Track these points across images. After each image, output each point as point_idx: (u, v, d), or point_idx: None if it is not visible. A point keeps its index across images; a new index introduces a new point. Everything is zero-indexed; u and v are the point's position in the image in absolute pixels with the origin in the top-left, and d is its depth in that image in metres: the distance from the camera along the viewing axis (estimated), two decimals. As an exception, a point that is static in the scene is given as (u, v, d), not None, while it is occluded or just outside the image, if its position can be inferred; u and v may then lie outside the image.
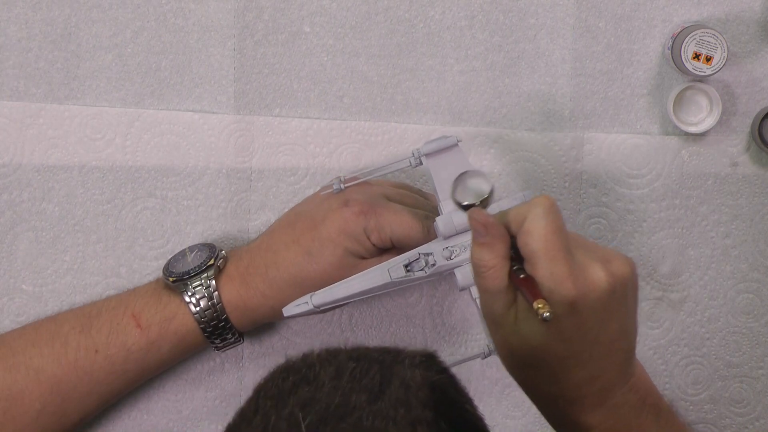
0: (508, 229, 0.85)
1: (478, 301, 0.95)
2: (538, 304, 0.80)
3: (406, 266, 0.98)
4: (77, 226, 1.09)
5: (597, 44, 1.11)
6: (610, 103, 1.12)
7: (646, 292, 1.13)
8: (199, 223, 1.10)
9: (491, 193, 0.88)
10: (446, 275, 1.00)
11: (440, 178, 0.98)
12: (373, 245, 1.00)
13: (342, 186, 1.00)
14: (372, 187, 1.03)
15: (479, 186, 0.88)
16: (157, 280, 1.06)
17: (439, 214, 1.00)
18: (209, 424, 1.11)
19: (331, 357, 0.71)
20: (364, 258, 1.01)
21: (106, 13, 1.08)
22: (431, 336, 1.12)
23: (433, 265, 0.97)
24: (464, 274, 0.98)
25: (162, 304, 1.03)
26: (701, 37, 1.07)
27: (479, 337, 1.13)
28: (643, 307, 1.14)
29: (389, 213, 1.00)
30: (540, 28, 1.11)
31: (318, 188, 1.09)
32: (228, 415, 1.11)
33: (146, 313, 1.02)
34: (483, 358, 1.02)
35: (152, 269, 1.10)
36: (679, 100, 1.11)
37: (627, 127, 1.12)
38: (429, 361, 0.71)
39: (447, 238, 0.98)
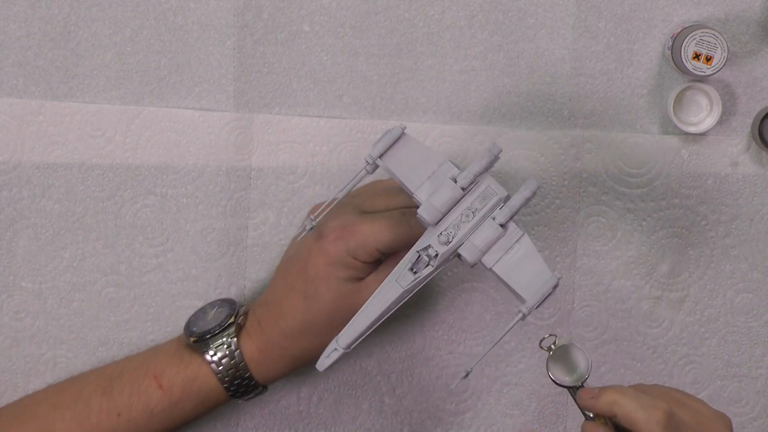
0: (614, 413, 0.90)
1: (494, 269, 0.94)
2: None
3: (411, 269, 0.95)
4: (77, 223, 1.09)
5: (597, 44, 1.11)
6: (610, 103, 1.12)
7: (645, 292, 1.13)
8: (198, 221, 1.10)
9: (590, 369, 0.91)
10: (454, 259, 0.98)
11: (403, 172, 0.95)
12: (364, 263, 0.99)
13: (313, 223, 0.96)
14: (343, 207, 1.00)
15: (576, 362, 0.92)
16: (179, 338, 1.06)
17: (415, 203, 0.97)
18: (207, 422, 1.11)
19: None
20: (360, 279, 1.00)
21: (106, 11, 1.08)
22: (429, 334, 1.13)
23: (436, 255, 0.94)
24: (469, 251, 0.94)
25: (183, 364, 1.02)
26: (701, 37, 1.07)
27: (478, 336, 1.13)
28: (642, 307, 1.14)
29: (366, 226, 0.98)
30: (540, 28, 1.11)
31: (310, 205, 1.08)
32: (226, 413, 1.11)
33: (168, 374, 1.01)
34: (523, 318, 0.96)
35: (152, 267, 1.10)
36: (679, 100, 1.11)
37: (627, 127, 1.12)
38: None
39: (436, 224, 0.94)
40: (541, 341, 0.96)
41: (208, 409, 1.04)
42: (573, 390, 0.94)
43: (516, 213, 0.94)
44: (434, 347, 1.13)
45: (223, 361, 1.01)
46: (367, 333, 0.95)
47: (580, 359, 0.94)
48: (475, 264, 0.95)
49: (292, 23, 1.10)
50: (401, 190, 0.99)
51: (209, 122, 1.09)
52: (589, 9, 1.11)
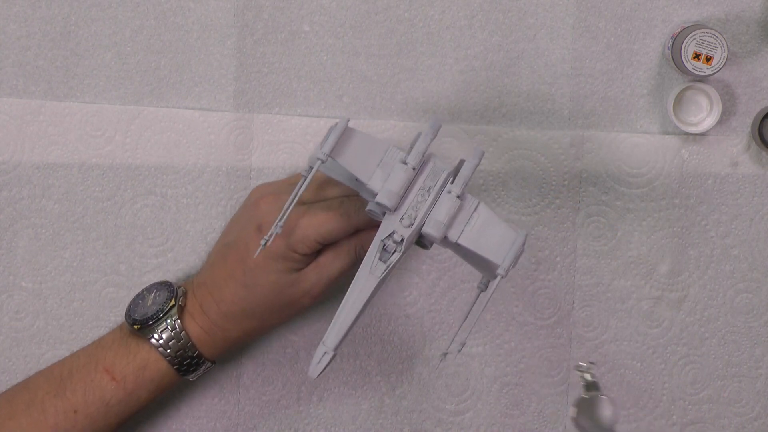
0: None
1: (459, 242, 0.93)
2: None
3: (381, 259, 0.94)
4: (77, 223, 1.09)
5: (597, 44, 1.11)
6: (610, 103, 1.12)
7: (645, 292, 1.14)
8: (198, 221, 1.10)
9: (614, 420, 0.91)
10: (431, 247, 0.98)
11: (354, 165, 0.94)
12: (303, 255, 0.99)
13: (278, 230, 0.94)
14: (280, 198, 1.00)
15: (602, 413, 0.92)
16: (121, 327, 1.05)
17: (357, 195, 0.98)
18: (207, 422, 1.11)
19: None
20: (299, 269, 1.00)
21: (106, 11, 1.08)
22: (429, 334, 1.13)
23: (402, 240, 0.94)
24: (434, 227, 0.94)
25: (132, 353, 1.02)
26: (701, 37, 1.07)
27: (477, 335, 1.13)
28: (642, 307, 1.14)
29: (305, 219, 0.99)
30: (539, 28, 1.11)
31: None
32: (226, 413, 1.12)
33: (118, 365, 1.02)
34: (484, 290, 0.98)
35: (151, 267, 1.10)
36: (679, 100, 1.11)
37: (627, 127, 1.12)
38: None
39: (397, 209, 0.94)
40: (579, 366, 0.98)
41: (163, 393, 1.04)
42: None
43: (468, 182, 0.95)
44: (434, 347, 1.13)
45: (171, 343, 1.01)
46: (352, 329, 0.95)
47: (608, 410, 0.94)
48: (442, 239, 0.94)
49: (292, 23, 1.10)
50: (336, 183, 1.01)
51: (209, 122, 1.09)
52: (589, 9, 1.11)
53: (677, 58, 1.08)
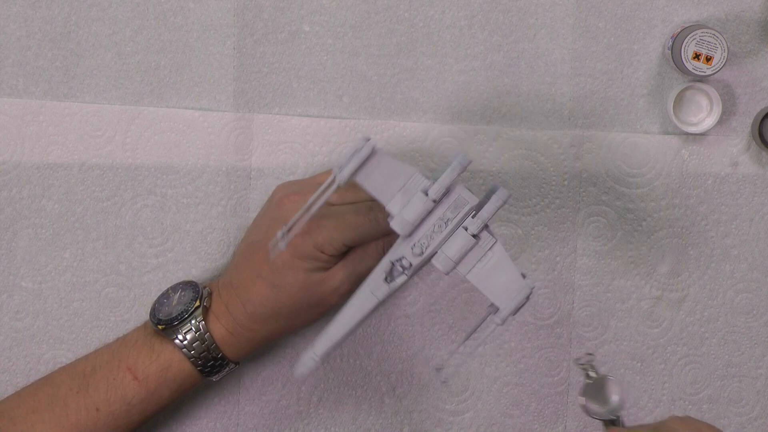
0: None
1: (468, 277, 0.94)
2: None
3: (386, 280, 0.95)
4: (77, 223, 1.09)
5: (597, 44, 1.11)
6: (609, 103, 1.12)
7: (645, 292, 1.14)
8: (198, 221, 1.10)
9: (623, 400, 0.90)
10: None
11: (374, 186, 0.94)
12: (330, 256, 0.99)
13: (286, 239, 0.95)
14: (306, 197, 0.99)
15: (609, 395, 0.90)
16: (145, 326, 1.05)
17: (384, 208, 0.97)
18: (207, 422, 1.11)
19: None
20: (327, 269, 1.00)
21: (106, 11, 1.08)
22: (429, 334, 1.13)
23: (410, 266, 0.95)
24: (442, 261, 0.94)
25: (155, 352, 1.02)
26: (701, 37, 1.07)
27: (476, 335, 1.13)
28: (642, 307, 1.14)
29: (333, 221, 0.99)
30: (539, 28, 1.11)
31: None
32: (226, 413, 1.11)
33: (141, 365, 1.01)
34: (494, 312, 0.97)
35: (151, 267, 1.10)
36: (679, 100, 1.11)
37: (627, 127, 1.12)
38: None
39: (410, 235, 0.95)
40: (578, 359, 0.97)
41: (185, 394, 1.04)
42: (605, 423, 0.94)
43: (487, 222, 0.94)
44: (434, 347, 1.13)
45: (195, 345, 1.01)
46: (342, 342, 0.96)
47: (615, 392, 0.94)
48: (449, 273, 0.95)
49: (292, 23, 1.10)
50: None
51: (209, 122, 1.09)
52: (589, 9, 1.11)
53: (677, 58, 1.08)
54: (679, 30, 1.10)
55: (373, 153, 0.94)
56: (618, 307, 1.14)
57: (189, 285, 1.05)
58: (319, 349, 0.95)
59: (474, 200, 0.95)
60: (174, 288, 1.06)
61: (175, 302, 1.04)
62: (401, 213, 0.94)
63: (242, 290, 1.02)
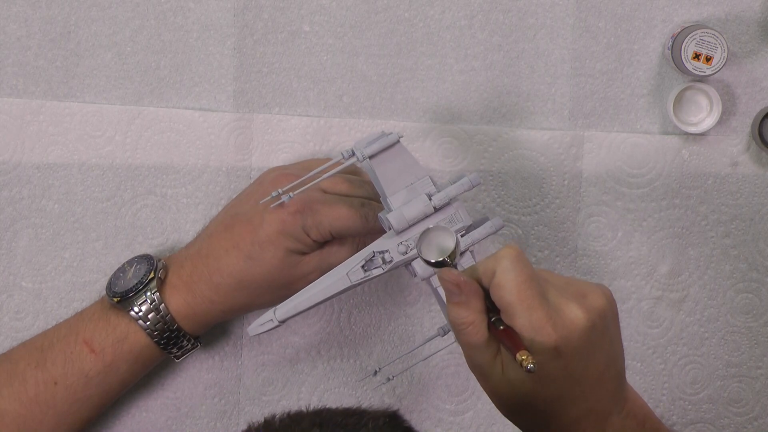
0: (480, 282, 0.85)
1: (439, 290, 0.96)
2: (521, 356, 0.80)
3: (363, 267, 0.97)
4: (77, 223, 1.09)
5: (597, 44, 1.11)
6: (610, 103, 1.12)
7: (645, 292, 1.13)
8: (198, 221, 1.10)
9: (456, 245, 0.88)
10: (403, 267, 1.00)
11: (385, 176, 0.97)
12: (314, 241, 1.01)
13: (283, 196, 0.97)
14: (299, 178, 1.01)
15: (443, 241, 0.88)
16: (102, 300, 1.06)
17: (379, 201, 0.99)
18: (208, 422, 1.11)
19: (293, 423, 0.71)
20: (305, 254, 1.01)
21: (106, 11, 1.08)
22: (429, 334, 1.12)
23: (390, 261, 0.97)
24: (422, 267, 0.97)
25: (111, 325, 1.02)
26: (701, 37, 1.07)
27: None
28: (643, 307, 1.14)
29: (326, 207, 1.00)
30: (539, 28, 1.11)
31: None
32: (226, 413, 1.11)
33: (98, 337, 1.02)
34: (442, 336, 1.02)
35: (151, 267, 1.10)
36: (679, 100, 1.11)
37: (627, 127, 1.12)
38: (393, 421, 0.72)
39: (400, 233, 0.97)
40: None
41: (145, 368, 1.05)
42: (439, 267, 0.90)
43: (471, 247, 0.97)
44: (434, 347, 1.13)
45: (150, 315, 1.02)
46: (304, 312, 0.98)
47: (449, 239, 0.88)
48: (424, 280, 0.98)
49: (292, 23, 1.10)
50: (363, 183, 1.03)
51: (209, 122, 1.09)
52: (589, 9, 1.11)
53: (677, 58, 1.08)
54: (679, 30, 1.10)
55: (397, 143, 0.96)
56: (618, 307, 1.13)
57: (144, 258, 1.06)
58: (281, 314, 0.97)
59: (468, 221, 0.97)
60: (130, 262, 1.06)
61: (130, 275, 1.04)
62: (401, 209, 0.96)
63: (212, 259, 1.02)
